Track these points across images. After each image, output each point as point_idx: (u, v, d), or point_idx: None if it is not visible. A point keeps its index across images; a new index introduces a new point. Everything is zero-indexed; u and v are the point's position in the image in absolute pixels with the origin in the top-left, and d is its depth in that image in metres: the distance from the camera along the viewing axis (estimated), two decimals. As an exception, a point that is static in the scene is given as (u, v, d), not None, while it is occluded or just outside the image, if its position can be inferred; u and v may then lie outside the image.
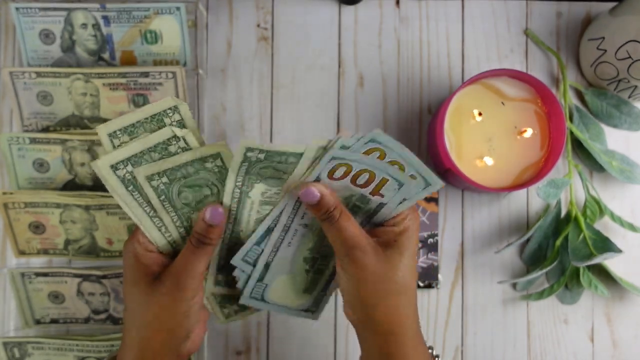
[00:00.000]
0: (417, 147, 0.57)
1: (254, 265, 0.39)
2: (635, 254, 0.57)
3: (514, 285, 0.57)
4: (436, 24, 0.58)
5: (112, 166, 0.35)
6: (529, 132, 0.51)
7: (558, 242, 0.54)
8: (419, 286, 0.56)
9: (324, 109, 0.58)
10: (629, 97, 0.55)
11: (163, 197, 0.36)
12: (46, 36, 0.54)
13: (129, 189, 0.36)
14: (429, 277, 0.56)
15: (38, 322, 0.55)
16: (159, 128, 0.36)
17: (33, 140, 0.53)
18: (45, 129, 0.55)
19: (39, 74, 0.53)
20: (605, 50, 0.52)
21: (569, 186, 0.55)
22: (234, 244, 0.40)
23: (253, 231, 0.39)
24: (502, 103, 0.51)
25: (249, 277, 0.40)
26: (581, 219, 0.53)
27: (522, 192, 0.57)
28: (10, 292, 0.55)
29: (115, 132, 0.35)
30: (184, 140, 0.36)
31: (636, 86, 0.53)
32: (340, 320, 0.56)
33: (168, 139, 0.36)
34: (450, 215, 0.57)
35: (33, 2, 0.54)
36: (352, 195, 0.37)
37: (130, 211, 0.37)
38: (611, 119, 0.56)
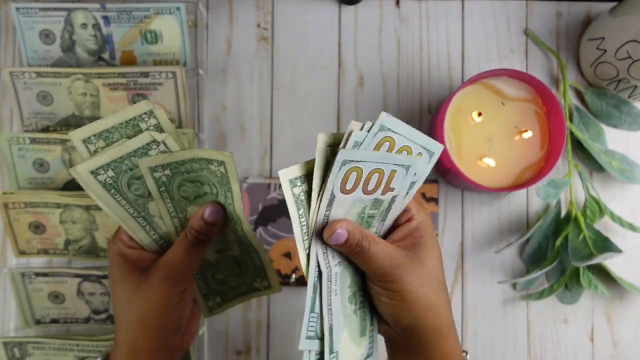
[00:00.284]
0: (417, 147, 0.57)
1: (319, 339, 0.34)
2: (635, 254, 0.57)
3: (514, 285, 0.57)
4: (436, 24, 0.58)
5: (92, 172, 0.35)
6: (528, 134, 0.51)
7: (558, 242, 0.54)
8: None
9: (324, 109, 0.58)
10: (629, 97, 0.55)
11: (163, 188, 0.36)
12: (46, 36, 0.54)
13: (111, 192, 0.36)
14: (429, 277, 0.56)
15: (38, 322, 0.55)
16: (135, 133, 0.35)
17: (33, 140, 0.53)
18: (45, 129, 0.55)
19: (39, 74, 0.53)
20: (605, 50, 0.52)
21: (569, 186, 0.55)
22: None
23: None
24: (502, 103, 0.51)
25: (316, 355, 0.35)
26: (581, 219, 0.53)
27: (522, 192, 0.57)
28: (10, 292, 0.55)
29: (89, 137, 0.35)
30: (164, 144, 0.36)
31: (636, 86, 0.53)
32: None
33: (148, 144, 0.35)
34: (450, 215, 0.57)
35: (33, 2, 0.54)
36: (365, 206, 0.34)
37: (113, 213, 0.37)
38: (611, 119, 0.56)
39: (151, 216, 0.38)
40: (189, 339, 0.39)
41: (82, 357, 0.53)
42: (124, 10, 0.53)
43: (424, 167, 0.35)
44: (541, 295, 0.55)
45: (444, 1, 0.58)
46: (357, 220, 0.35)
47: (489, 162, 0.51)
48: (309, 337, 0.34)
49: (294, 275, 0.55)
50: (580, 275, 0.54)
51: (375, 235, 0.35)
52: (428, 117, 0.58)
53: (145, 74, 0.53)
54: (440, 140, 0.49)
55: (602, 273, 0.55)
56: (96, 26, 0.54)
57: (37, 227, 0.54)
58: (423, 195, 0.56)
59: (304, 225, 0.33)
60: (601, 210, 0.54)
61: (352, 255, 0.34)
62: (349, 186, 0.33)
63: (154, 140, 0.35)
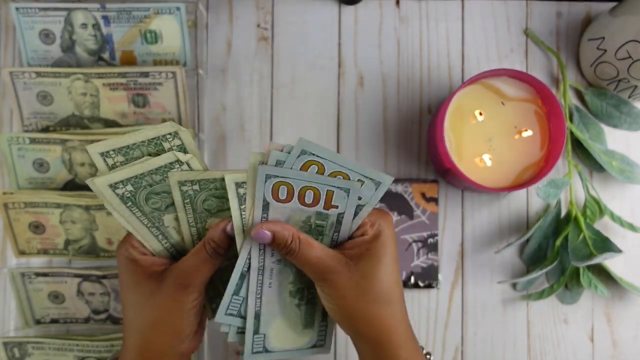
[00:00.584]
0: (417, 147, 0.57)
1: (241, 317, 0.39)
2: (635, 254, 0.57)
3: (514, 285, 0.57)
4: (436, 24, 0.58)
5: (111, 185, 0.35)
6: (527, 133, 0.51)
7: (558, 242, 0.54)
8: (418, 286, 0.56)
9: (324, 109, 0.58)
10: (629, 97, 0.55)
11: (187, 200, 0.37)
12: (46, 36, 0.54)
13: (128, 205, 0.36)
14: (429, 277, 0.56)
15: (38, 322, 0.55)
16: (157, 152, 0.36)
17: (33, 140, 0.53)
18: (45, 129, 0.55)
19: (39, 74, 0.53)
20: (605, 50, 0.52)
21: (569, 186, 0.55)
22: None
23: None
24: (502, 103, 0.51)
25: (239, 328, 0.39)
26: (581, 219, 0.53)
27: (522, 192, 0.57)
28: (10, 292, 0.55)
29: (108, 151, 0.35)
30: (188, 165, 0.36)
31: (636, 86, 0.53)
32: (340, 320, 0.56)
33: (171, 163, 0.36)
34: (450, 215, 0.57)
35: (33, 2, 0.54)
36: (309, 216, 0.37)
37: (127, 223, 0.37)
38: (611, 119, 0.56)
39: (165, 227, 0.38)
40: (196, 344, 0.39)
41: (82, 357, 0.53)
42: (124, 10, 0.53)
43: (372, 195, 0.37)
44: (541, 295, 0.55)
45: (444, 1, 0.58)
46: (304, 227, 0.37)
47: (489, 162, 0.51)
48: (229, 314, 0.38)
49: None
50: (580, 275, 0.54)
51: (313, 240, 0.36)
52: (428, 117, 0.58)
53: (145, 74, 0.53)
54: (440, 140, 0.49)
55: (602, 273, 0.55)
56: (96, 26, 0.54)
57: (37, 227, 0.54)
58: (423, 195, 0.56)
59: (244, 218, 0.36)
60: (601, 210, 0.54)
61: (285, 255, 0.36)
62: (282, 196, 0.35)
63: (178, 160, 0.35)
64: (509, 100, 0.51)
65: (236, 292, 0.38)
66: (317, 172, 0.35)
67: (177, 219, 0.38)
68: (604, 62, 0.53)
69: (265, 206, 0.36)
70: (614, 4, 0.53)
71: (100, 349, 0.52)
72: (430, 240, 0.56)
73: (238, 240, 0.37)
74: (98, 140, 0.50)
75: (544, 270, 0.54)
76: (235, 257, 0.40)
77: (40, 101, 0.54)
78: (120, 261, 0.37)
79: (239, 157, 0.57)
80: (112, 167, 0.35)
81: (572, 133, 0.55)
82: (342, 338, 0.56)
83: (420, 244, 0.56)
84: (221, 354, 0.56)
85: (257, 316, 0.39)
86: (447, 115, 0.49)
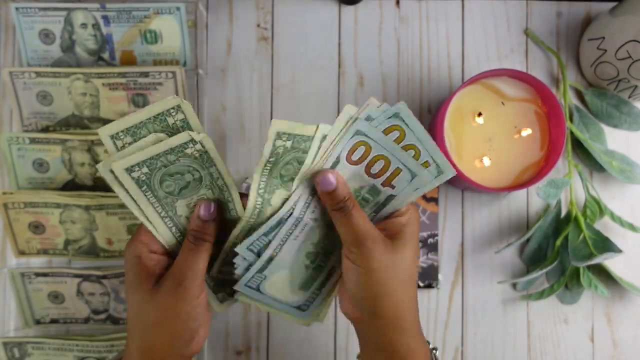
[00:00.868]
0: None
1: (258, 255, 0.39)
2: (635, 254, 0.57)
3: (514, 285, 0.57)
4: (436, 24, 0.58)
5: (127, 169, 0.35)
6: (527, 132, 0.51)
7: (558, 242, 0.54)
8: (419, 286, 0.56)
9: (324, 109, 0.58)
10: (629, 97, 0.55)
11: (145, 187, 0.36)
12: (46, 36, 0.54)
13: (143, 189, 0.36)
14: (429, 277, 0.56)
15: (38, 322, 0.55)
16: (162, 128, 0.36)
17: (33, 140, 0.53)
18: (45, 129, 0.55)
19: (38, 74, 0.53)
20: (605, 50, 0.52)
21: (569, 186, 0.55)
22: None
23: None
24: (502, 103, 0.51)
25: (249, 265, 0.39)
26: (581, 219, 0.53)
27: (522, 192, 0.57)
28: (10, 292, 0.55)
29: (117, 133, 0.35)
30: (201, 144, 0.36)
31: (636, 86, 0.53)
32: (340, 320, 0.56)
33: (185, 142, 0.36)
34: (450, 215, 0.57)
35: (33, 2, 0.54)
36: (363, 187, 0.37)
37: (140, 211, 0.37)
38: (611, 119, 0.56)
39: (178, 216, 0.38)
40: (199, 345, 0.39)
41: (82, 357, 0.53)
42: (124, 10, 0.53)
43: (430, 182, 0.37)
44: (541, 295, 0.55)
45: (444, 1, 0.58)
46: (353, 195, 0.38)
47: (489, 162, 0.51)
48: (249, 249, 0.38)
49: None
50: (580, 275, 0.54)
51: (360, 208, 0.37)
52: (428, 117, 0.58)
53: (145, 74, 0.52)
54: (440, 140, 0.49)
55: (602, 273, 0.55)
56: (96, 26, 0.54)
57: (37, 227, 0.54)
58: (423, 195, 0.56)
59: (311, 163, 0.36)
60: (601, 210, 0.54)
61: (334, 211, 0.37)
62: (355, 157, 0.36)
63: (192, 140, 0.35)
64: (509, 100, 0.51)
65: (266, 234, 0.38)
66: (397, 138, 0.36)
67: (189, 205, 0.38)
68: (604, 62, 0.53)
69: (335, 163, 0.36)
70: (614, 4, 0.53)
71: (100, 349, 0.52)
72: (430, 240, 0.56)
73: (295, 184, 0.37)
74: (99, 140, 0.50)
75: (544, 270, 0.54)
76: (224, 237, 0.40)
77: (40, 101, 0.54)
78: (127, 258, 0.37)
79: (238, 156, 0.57)
80: (121, 149, 0.35)
81: (572, 133, 0.55)
82: (342, 338, 0.56)
83: (420, 244, 0.56)
84: (221, 353, 0.56)
85: (270, 259, 0.39)
86: (447, 115, 0.49)
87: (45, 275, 0.54)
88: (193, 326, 0.38)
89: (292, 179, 0.38)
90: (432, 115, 0.57)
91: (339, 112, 0.57)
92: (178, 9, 0.53)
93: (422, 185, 0.37)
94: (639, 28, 0.48)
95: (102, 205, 0.52)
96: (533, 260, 0.56)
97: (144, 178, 0.36)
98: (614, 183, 0.57)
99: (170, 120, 0.36)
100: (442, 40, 0.58)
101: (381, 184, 0.37)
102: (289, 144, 0.36)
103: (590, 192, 0.55)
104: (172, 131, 0.36)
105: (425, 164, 0.36)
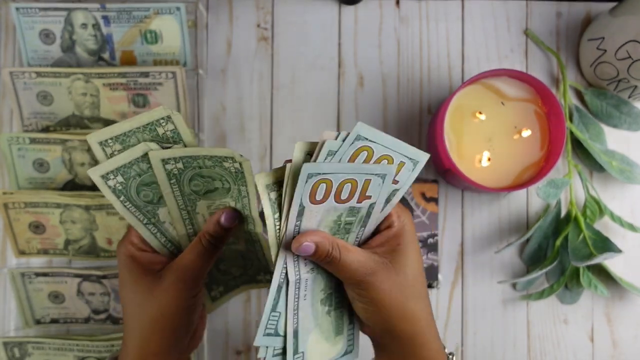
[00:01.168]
0: (417, 147, 0.57)
1: (279, 335, 0.36)
2: (635, 254, 0.57)
3: (514, 285, 0.57)
4: (436, 24, 0.58)
5: (102, 176, 0.35)
6: (526, 132, 0.51)
7: (558, 242, 0.54)
8: (419, 286, 0.56)
9: (324, 109, 0.58)
10: (629, 97, 0.55)
11: (174, 180, 0.36)
12: (46, 36, 0.54)
13: (120, 199, 0.36)
14: (429, 277, 0.56)
15: (38, 322, 0.55)
16: (152, 137, 0.36)
17: (33, 140, 0.53)
18: (45, 129, 0.55)
19: (39, 74, 0.53)
20: (605, 50, 0.52)
21: (569, 186, 0.55)
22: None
23: None
24: (502, 103, 0.51)
25: (275, 351, 0.36)
26: (581, 219, 0.53)
27: (522, 192, 0.57)
28: (10, 292, 0.55)
29: (106, 140, 0.35)
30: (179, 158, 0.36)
31: (636, 86, 0.53)
32: (340, 320, 0.56)
33: (143, 155, 0.36)
34: (450, 215, 0.57)
35: (33, 2, 0.54)
36: (340, 214, 0.35)
37: (125, 217, 0.37)
38: (611, 119, 0.56)
39: (161, 222, 0.38)
40: (197, 341, 0.39)
41: (82, 357, 0.53)
42: (124, 10, 0.53)
43: (408, 175, 0.35)
44: (541, 295, 0.55)
45: (444, 1, 0.58)
46: (334, 228, 0.35)
47: (489, 162, 0.51)
48: (267, 335, 0.35)
49: None
50: (580, 275, 0.54)
51: (348, 243, 0.35)
52: (428, 117, 0.58)
53: (145, 74, 0.53)
54: (440, 140, 0.49)
55: (602, 273, 0.55)
56: (96, 26, 0.54)
57: (37, 227, 0.54)
58: (423, 195, 0.56)
59: (278, 229, 0.34)
60: (601, 210, 0.54)
61: (323, 264, 0.35)
62: (318, 197, 0.33)
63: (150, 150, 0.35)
64: (509, 100, 0.51)
65: (274, 308, 0.35)
66: (366, 158, 0.34)
67: (170, 213, 0.38)
68: (604, 62, 0.53)
69: (300, 211, 0.33)
70: (614, 4, 0.53)
71: (100, 349, 0.52)
72: (430, 240, 0.56)
73: (273, 252, 0.34)
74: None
75: (544, 270, 0.54)
76: (232, 239, 0.40)
77: (40, 101, 0.54)
78: (120, 258, 0.37)
79: (239, 157, 0.57)
80: (110, 157, 0.35)
81: (572, 133, 0.55)
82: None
83: (420, 244, 0.56)
84: (221, 353, 0.56)
85: (296, 334, 0.36)
86: (447, 115, 0.49)
87: (45, 275, 0.54)
88: (190, 322, 0.38)
89: (209, 191, 0.37)
90: (432, 115, 0.57)
91: (339, 113, 0.57)
92: (178, 9, 0.53)
93: (403, 182, 0.35)
94: (639, 28, 0.48)
95: (102, 205, 0.52)
96: (533, 260, 0.56)
97: (120, 187, 0.36)
98: (614, 183, 0.57)
99: (160, 130, 0.36)
100: (442, 40, 0.58)
101: (357, 202, 0.34)
102: (180, 165, 0.36)
103: (590, 192, 0.55)
104: (162, 141, 0.36)
105: (401, 164, 0.35)
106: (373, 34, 0.58)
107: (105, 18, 0.54)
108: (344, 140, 0.32)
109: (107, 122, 0.54)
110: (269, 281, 0.42)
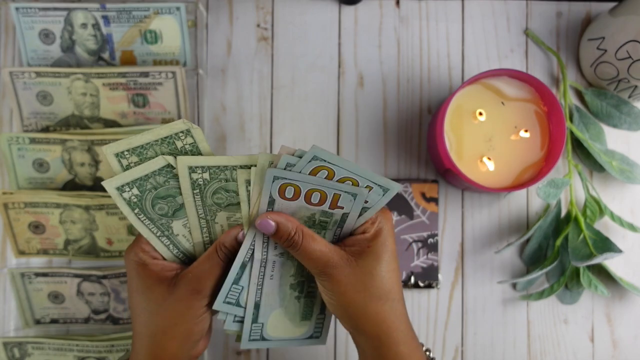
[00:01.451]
0: (417, 147, 0.57)
1: (240, 306, 0.39)
2: (635, 254, 0.57)
3: (514, 285, 0.57)
4: (436, 24, 0.58)
5: (118, 188, 0.35)
6: (526, 132, 0.51)
7: (558, 242, 0.54)
8: (418, 286, 0.56)
9: (324, 109, 0.58)
10: (629, 97, 0.55)
11: (197, 190, 0.36)
12: (46, 36, 0.54)
13: (135, 211, 0.36)
14: (429, 277, 0.56)
15: (38, 322, 0.55)
16: (171, 150, 0.36)
17: (33, 140, 0.53)
18: (45, 129, 0.55)
19: (38, 74, 0.53)
20: (605, 50, 0.52)
21: (569, 186, 0.55)
22: None
23: None
24: (502, 103, 0.51)
25: (237, 319, 0.40)
26: (581, 219, 0.53)
27: (522, 192, 0.57)
28: (10, 292, 0.55)
29: (123, 152, 0.35)
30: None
31: (636, 86, 0.53)
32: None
33: (163, 167, 0.36)
34: (450, 215, 0.57)
35: (33, 2, 0.54)
36: (314, 213, 0.37)
37: (138, 229, 0.37)
38: (611, 119, 0.56)
39: (174, 235, 0.38)
40: (205, 344, 0.40)
41: (82, 357, 0.53)
42: (124, 10, 0.53)
43: (378, 199, 0.37)
44: (541, 295, 0.55)
45: (444, 1, 0.58)
46: (308, 222, 0.37)
47: (489, 162, 0.51)
48: (227, 302, 0.38)
49: None
50: (580, 275, 0.54)
51: (315, 234, 0.37)
52: (428, 117, 0.58)
53: (145, 74, 0.53)
54: (440, 140, 0.49)
55: (602, 273, 0.55)
56: (96, 26, 0.54)
57: (37, 227, 0.54)
58: (423, 195, 0.56)
59: (251, 209, 0.37)
60: (601, 210, 0.54)
61: (286, 247, 0.37)
62: (288, 195, 0.36)
63: (169, 165, 0.35)
64: (509, 100, 0.51)
65: (236, 281, 0.38)
66: (326, 177, 0.35)
67: (186, 225, 0.38)
68: (604, 62, 0.53)
69: (271, 202, 0.36)
70: (614, 4, 0.53)
71: (100, 349, 0.52)
72: (430, 240, 0.56)
73: (245, 230, 0.37)
74: (99, 140, 0.50)
75: (544, 270, 0.54)
76: None
77: (40, 101, 0.54)
78: (130, 266, 0.37)
79: (239, 157, 0.57)
80: (126, 168, 0.35)
81: (572, 133, 0.55)
82: (342, 337, 0.56)
83: (420, 244, 0.56)
84: (221, 353, 0.56)
85: (257, 306, 0.39)
86: (447, 115, 0.49)
87: (45, 275, 0.54)
88: (202, 329, 0.38)
89: (231, 205, 0.37)
90: (432, 115, 0.57)
91: (339, 113, 0.58)
92: (178, 9, 0.53)
93: (372, 204, 0.37)
94: (639, 28, 0.48)
95: (102, 205, 0.52)
96: (533, 260, 0.56)
97: (135, 200, 0.35)
98: (614, 183, 0.57)
99: (179, 144, 0.35)
100: (442, 40, 0.58)
101: (329, 208, 0.37)
102: (206, 175, 0.36)
103: (590, 192, 0.55)
104: (180, 154, 0.36)
105: (368, 187, 0.36)
106: (373, 34, 0.58)
107: (105, 18, 0.54)
108: (300, 157, 0.34)
109: (107, 122, 0.54)
110: None
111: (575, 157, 0.57)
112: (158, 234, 0.37)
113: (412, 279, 0.56)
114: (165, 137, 0.35)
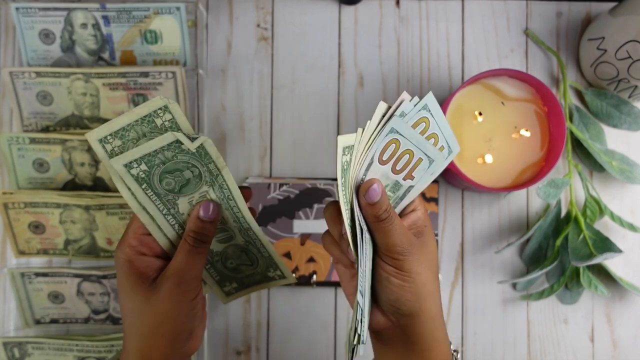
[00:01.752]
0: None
1: (361, 295, 0.35)
2: (635, 254, 0.57)
3: (514, 285, 0.57)
4: (436, 24, 0.58)
5: (126, 165, 0.35)
6: (526, 132, 0.51)
7: (558, 242, 0.54)
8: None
9: (324, 109, 0.58)
10: (629, 97, 0.55)
11: (145, 185, 0.36)
12: (46, 36, 0.54)
13: (143, 187, 0.36)
14: (429, 277, 0.56)
15: (38, 322, 0.55)
16: (151, 129, 0.36)
17: (33, 140, 0.53)
18: (45, 129, 0.55)
19: (38, 74, 0.53)
20: (605, 50, 0.52)
21: (569, 186, 0.55)
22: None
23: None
24: (502, 103, 0.51)
25: (362, 310, 0.35)
26: (581, 219, 0.53)
27: (522, 192, 0.57)
28: (10, 292, 0.55)
29: (105, 137, 0.35)
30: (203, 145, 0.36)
31: (636, 86, 0.53)
32: (340, 321, 0.56)
33: (170, 143, 0.36)
34: (450, 215, 0.57)
35: (33, 2, 0.54)
36: (387, 185, 0.36)
37: (142, 209, 0.37)
38: (611, 119, 0.56)
39: (180, 214, 0.38)
40: (197, 343, 0.39)
41: (82, 357, 0.53)
42: (124, 10, 0.53)
43: (442, 164, 0.37)
44: (541, 295, 0.55)
45: (444, 1, 0.58)
46: None
47: (489, 162, 0.51)
48: (360, 292, 0.34)
49: (314, 277, 0.55)
50: (580, 275, 0.54)
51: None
52: (428, 117, 0.58)
53: (145, 74, 0.53)
54: (440, 140, 0.49)
55: (602, 273, 0.55)
56: (96, 26, 0.54)
57: (37, 227, 0.54)
58: (423, 195, 0.56)
59: (343, 190, 0.34)
60: (601, 210, 0.54)
61: (377, 222, 0.34)
62: (385, 157, 0.34)
63: (177, 140, 0.35)
64: (509, 100, 0.51)
65: (359, 264, 0.34)
66: (423, 130, 0.35)
67: (191, 203, 0.38)
68: (604, 62, 0.53)
69: (368, 166, 0.34)
70: (614, 4, 0.53)
71: (100, 349, 0.52)
72: (430, 240, 0.56)
73: (343, 211, 0.34)
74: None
75: (544, 270, 0.54)
76: (226, 234, 0.40)
77: (40, 101, 0.54)
78: (117, 263, 0.37)
79: (238, 157, 0.57)
80: (111, 153, 0.35)
81: (572, 133, 0.55)
82: (342, 338, 0.56)
83: (420, 244, 0.56)
84: (221, 353, 0.56)
85: (363, 294, 0.35)
86: (447, 115, 0.49)
87: (45, 275, 0.54)
88: (191, 326, 0.37)
89: (184, 186, 0.36)
90: (432, 115, 0.57)
91: (339, 113, 0.57)
92: (178, 9, 0.53)
93: (436, 169, 0.37)
94: (639, 28, 0.48)
95: (102, 205, 0.52)
96: (533, 260, 0.56)
97: (143, 175, 0.36)
98: (614, 183, 0.57)
99: (159, 121, 0.36)
100: (442, 40, 0.58)
101: (403, 179, 0.36)
102: (143, 166, 0.35)
103: (590, 192, 0.55)
104: (160, 132, 0.36)
105: (441, 149, 0.37)
106: (373, 34, 0.58)
107: (105, 18, 0.54)
108: (415, 105, 0.34)
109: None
110: (280, 277, 0.43)
111: (575, 157, 0.57)
112: (164, 212, 0.37)
113: (412, 279, 0.56)
114: (145, 116, 0.35)
